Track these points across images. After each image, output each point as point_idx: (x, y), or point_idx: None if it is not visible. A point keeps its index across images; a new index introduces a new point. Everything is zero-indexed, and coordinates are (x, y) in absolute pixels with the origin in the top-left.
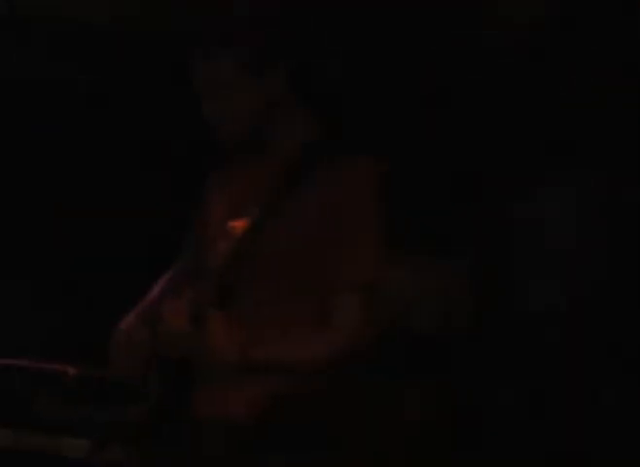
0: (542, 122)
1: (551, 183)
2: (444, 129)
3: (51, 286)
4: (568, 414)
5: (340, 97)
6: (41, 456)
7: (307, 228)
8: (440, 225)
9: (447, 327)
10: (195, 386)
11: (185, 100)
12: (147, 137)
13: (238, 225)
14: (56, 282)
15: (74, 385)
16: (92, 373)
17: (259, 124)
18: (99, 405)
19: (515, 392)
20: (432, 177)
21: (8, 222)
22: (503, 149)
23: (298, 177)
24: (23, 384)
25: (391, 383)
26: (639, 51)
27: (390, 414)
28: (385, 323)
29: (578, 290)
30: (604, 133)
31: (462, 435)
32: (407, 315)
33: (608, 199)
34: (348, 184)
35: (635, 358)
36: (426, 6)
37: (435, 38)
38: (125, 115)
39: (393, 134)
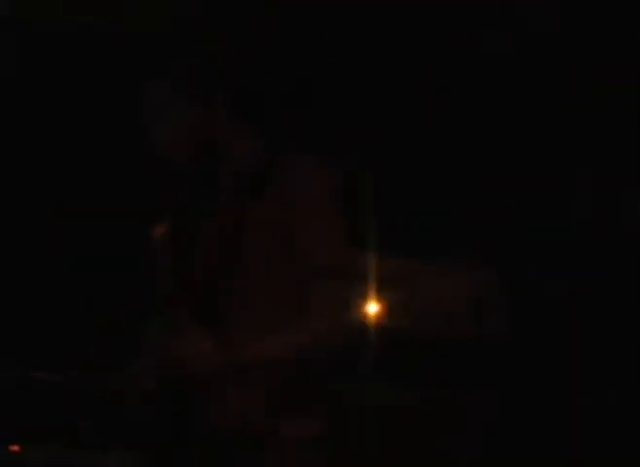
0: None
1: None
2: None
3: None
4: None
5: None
6: None
7: (275, 226)
8: (464, 229)
9: (479, 330)
10: (194, 400)
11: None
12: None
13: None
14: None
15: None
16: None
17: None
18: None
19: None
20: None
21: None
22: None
23: (259, 189)
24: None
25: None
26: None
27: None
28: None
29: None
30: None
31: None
32: (440, 320)
33: None
34: (308, 182)
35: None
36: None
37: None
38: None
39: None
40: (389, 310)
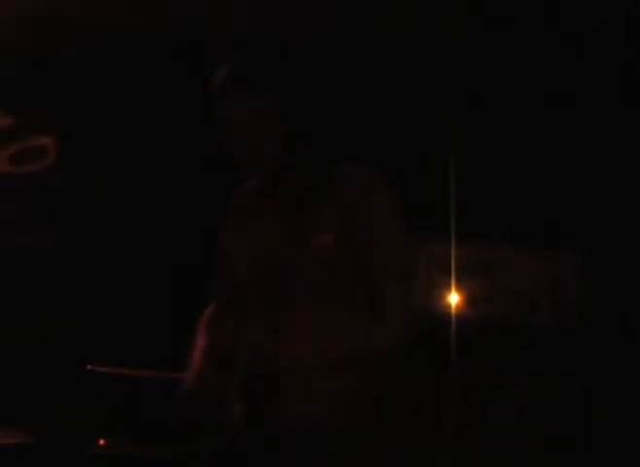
0: None
1: None
2: None
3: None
4: None
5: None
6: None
7: (340, 230)
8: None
9: (561, 317)
10: (275, 400)
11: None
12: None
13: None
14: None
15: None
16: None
17: (281, 154)
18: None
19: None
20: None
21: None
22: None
23: (320, 192)
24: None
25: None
26: None
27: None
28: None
29: None
30: None
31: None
32: (530, 308)
33: None
34: (368, 187)
35: None
36: None
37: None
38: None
39: None
40: (469, 300)
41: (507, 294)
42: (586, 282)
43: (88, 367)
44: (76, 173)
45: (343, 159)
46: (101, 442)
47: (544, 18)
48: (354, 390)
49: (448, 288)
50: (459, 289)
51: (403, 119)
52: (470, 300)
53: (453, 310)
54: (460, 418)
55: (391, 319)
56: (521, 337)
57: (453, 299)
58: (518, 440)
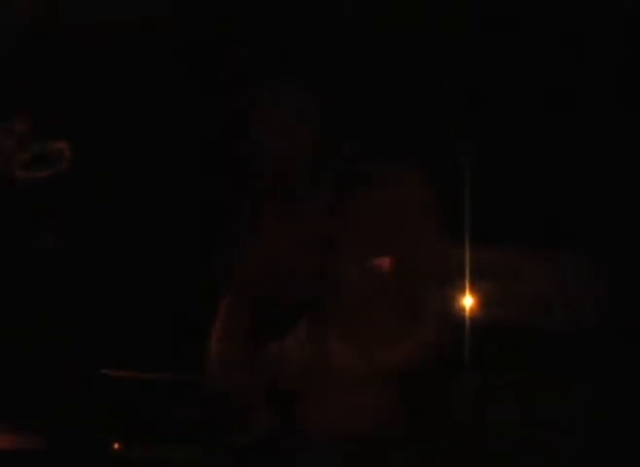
0: None
1: None
2: None
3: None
4: None
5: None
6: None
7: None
8: (561, 219)
9: (576, 320)
10: (311, 406)
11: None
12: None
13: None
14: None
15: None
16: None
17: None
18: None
19: None
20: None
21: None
22: None
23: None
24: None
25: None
26: None
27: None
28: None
29: None
30: None
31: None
32: (545, 311)
33: None
34: (406, 187)
35: None
36: None
37: None
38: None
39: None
40: (487, 302)
41: (521, 297)
42: (601, 284)
43: (103, 371)
44: (87, 176)
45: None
46: (116, 445)
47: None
48: (385, 398)
49: (463, 291)
50: (473, 292)
51: (413, 119)
52: (484, 303)
53: (467, 313)
54: (473, 420)
55: (428, 326)
56: (536, 339)
57: (467, 302)
58: (535, 440)
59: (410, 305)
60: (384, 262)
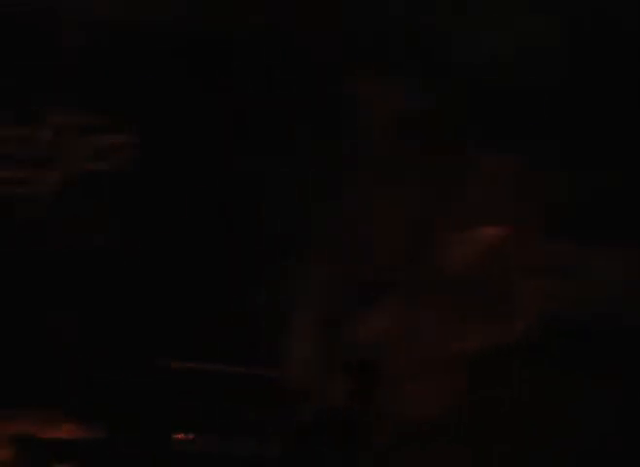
0: None
1: None
2: None
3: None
4: None
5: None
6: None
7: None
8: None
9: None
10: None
11: None
12: None
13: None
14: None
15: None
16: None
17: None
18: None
19: None
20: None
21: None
22: None
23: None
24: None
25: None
26: None
27: None
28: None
29: None
30: None
31: None
32: (609, 305)
33: None
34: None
35: None
36: None
37: None
38: None
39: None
40: (559, 299)
41: (584, 294)
42: None
43: (169, 363)
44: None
45: None
46: (179, 437)
47: None
48: (453, 385)
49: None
50: (550, 289)
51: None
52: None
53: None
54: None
55: (509, 317)
56: (600, 338)
57: (544, 297)
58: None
59: (501, 291)
60: (482, 242)
